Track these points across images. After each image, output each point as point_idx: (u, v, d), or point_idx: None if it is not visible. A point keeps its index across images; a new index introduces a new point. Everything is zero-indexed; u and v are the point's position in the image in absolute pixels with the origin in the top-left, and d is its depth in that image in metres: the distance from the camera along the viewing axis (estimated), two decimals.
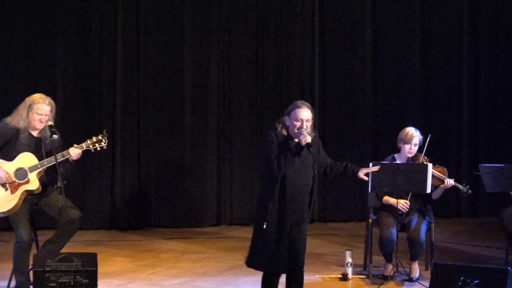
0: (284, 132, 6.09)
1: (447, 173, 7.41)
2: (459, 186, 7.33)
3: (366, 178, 6.50)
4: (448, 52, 10.98)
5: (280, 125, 6.12)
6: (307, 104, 6.15)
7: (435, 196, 7.48)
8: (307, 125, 6.05)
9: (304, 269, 6.25)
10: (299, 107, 6.07)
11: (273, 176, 6.01)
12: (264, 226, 6.02)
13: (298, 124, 6.04)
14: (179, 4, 10.38)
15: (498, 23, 11.02)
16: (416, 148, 7.45)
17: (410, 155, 7.43)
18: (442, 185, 7.36)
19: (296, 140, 6.08)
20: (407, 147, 7.42)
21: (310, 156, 6.10)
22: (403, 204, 7.32)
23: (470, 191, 7.37)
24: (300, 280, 6.25)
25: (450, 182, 7.32)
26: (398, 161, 7.45)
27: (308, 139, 5.97)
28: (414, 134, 7.43)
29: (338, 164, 6.43)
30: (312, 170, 6.18)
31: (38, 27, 10.03)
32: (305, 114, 6.05)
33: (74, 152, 6.62)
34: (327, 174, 6.48)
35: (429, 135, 7.43)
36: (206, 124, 10.45)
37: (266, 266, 6.13)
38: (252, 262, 6.24)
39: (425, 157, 7.42)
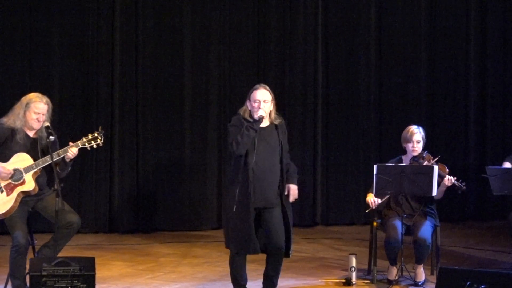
0: (247, 116, 6.46)
1: (447, 171, 7.32)
2: (455, 182, 7.23)
3: (286, 191, 6.51)
4: (454, 51, 10.93)
5: (243, 110, 6.51)
6: (265, 86, 6.53)
7: (437, 196, 7.34)
8: (265, 106, 6.41)
9: (282, 253, 6.49)
10: (256, 88, 6.51)
11: (235, 156, 6.34)
12: (234, 209, 6.32)
13: (255, 105, 6.41)
14: (179, 4, 10.28)
15: (506, 17, 10.94)
16: (420, 145, 7.39)
17: (414, 153, 7.36)
18: (442, 182, 7.23)
19: None
20: (409, 145, 7.39)
21: (276, 141, 6.45)
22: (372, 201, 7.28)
23: (465, 187, 7.26)
24: (276, 262, 6.55)
25: (450, 179, 7.19)
26: (404, 162, 7.40)
27: (261, 113, 6.36)
28: (414, 131, 7.39)
29: (287, 167, 6.58)
30: (280, 156, 6.47)
31: (33, 24, 9.95)
32: (261, 94, 6.45)
33: (71, 151, 6.53)
34: None
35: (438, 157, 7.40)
36: (207, 125, 10.37)
37: (237, 247, 6.41)
38: (226, 243, 6.54)
39: (429, 154, 7.32)
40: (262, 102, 6.41)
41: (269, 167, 6.40)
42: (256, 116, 6.38)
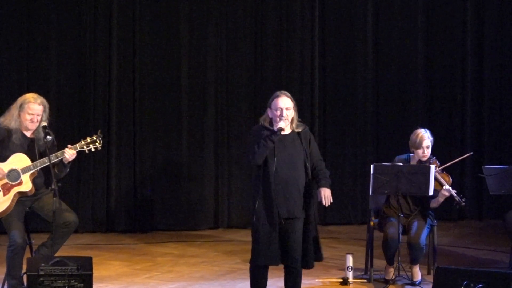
0: (267, 125, 6.26)
1: (451, 183, 7.28)
2: (455, 196, 7.18)
3: (319, 197, 6.34)
4: (452, 51, 10.91)
5: (263, 118, 6.31)
6: (286, 93, 6.30)
7: (434, 204, 7.34)
8: (288, 114, 6.19)
9: (298, 267, 6.28)
10: (277, 96, 6.26)
11: (254, 164, 6.16)
12: (254, 219, 6.15)
13: (278, 113, 6.21)
14: (176, 6, 10.28)
15: (502, 20, 10.94)
16: (429, 150, 7.29)
17: (424, 159, 7.28)
18: (440, 190, 7.20)
19: None
20: (419, 152, 7.28)
21: (299, 149, 6.23)
22: None
23: (464, 203, 7.22)
24: (294, 277, 6.32)
25: (449, 190, 7.16)
26: (412, 162, 7.31)
27: (281, 124, 6.14)
28: (424, 137, 7.27)
29: (317, 171, 6.37)
30: (303, 165, 6.24)
31: (31, 24, 9.95)
32: (284, 102, 6.22)
33: (69, 153, 6.52)
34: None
35: (471, 153, 7.63)
36: (204, 125, 10.36)
37: (258, 259, 6.19)
38: (251, 258, 6.27)
39: (436, 160, 7.29)
40: (285, 110, 6.16)
41: (290, 176, 6.16)
42: (275, 128, 6.14)
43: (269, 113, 6.26)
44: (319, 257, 6.36)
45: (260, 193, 6.14)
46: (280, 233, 6.18)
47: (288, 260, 6.22)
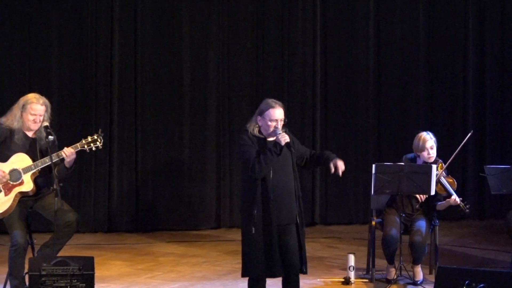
0: (257, 132, 6.14)
1: (456, 186, 7.29)
2: (461, 204, 7.20)
3: (332, 170, 6.21)
4: (453, 50, 10.93)
5: (252, 126, 6.15)
6: (279, 102, 6.19)
7: (440, 207, 7.35)
8: (281, 125, 6.10)
9: (299, 273, 6.22)
10: (272, 107, 6.10)
11: (254, 178, 6.01)
12: (253, 231, 6.02)
13: (272, 124, 6.09)
14: (177, 6, 10.28)
15: (504, 21, 10.94)
16: (434, 150, 7.30)
17: (431, 160, 7.28)
18: (449, 200, 7.21)
19: (271, 139, 6.10)
20: (424, 154, 7.29)
21: (289, 155, 6.13)
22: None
23: (468, 211, 7.23)
24: (295, 284, 6.24)
25: (456, 199, 7.17)
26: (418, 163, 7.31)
27: (287, 138, 6.03)
28: (426, 138, 7.29)
29: (317, 153, 6.39)
30: (292, 169, 6.18)
31: (32, 24, 9.97)
32: (279, 113, 6.11)
33: (67, 151, 6.50)
34: (306, 165, 6.41)
35: (471, 132, 7.45)
36: (205, 125, 10.37)
37: (260, 271, 6.09)
38: (247, 271, 6.18)
39: (442, 163, 7.29)
40: (279, 121, 6.08)
41: (285, 182, 6.10)
42: (282, 142, 5.98)
43: (259, 121, 6.14)
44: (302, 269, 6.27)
45: (258, 203, 6.03)
46: (278, 242, 6.09)
47: (288, 269, 6.14)
